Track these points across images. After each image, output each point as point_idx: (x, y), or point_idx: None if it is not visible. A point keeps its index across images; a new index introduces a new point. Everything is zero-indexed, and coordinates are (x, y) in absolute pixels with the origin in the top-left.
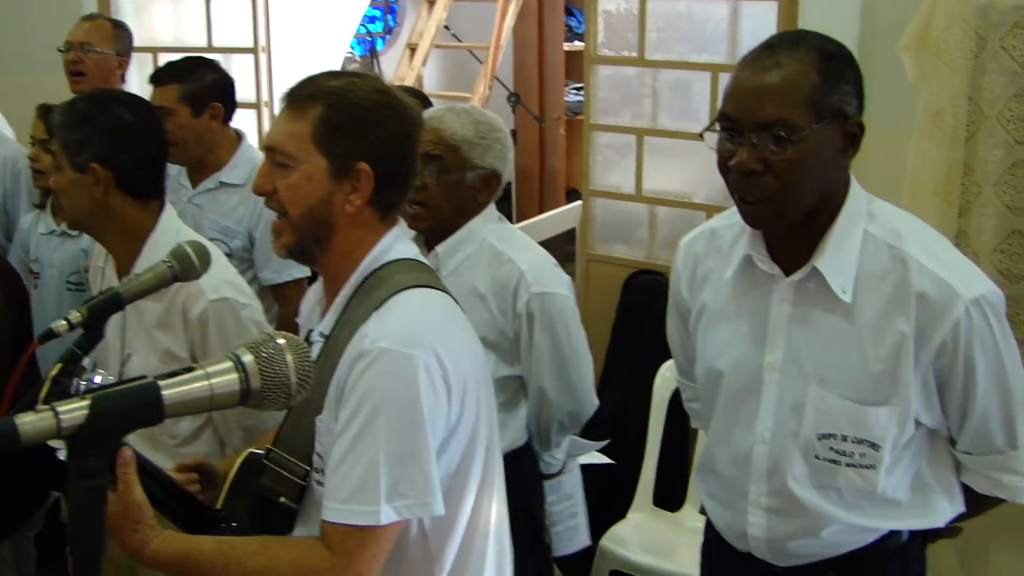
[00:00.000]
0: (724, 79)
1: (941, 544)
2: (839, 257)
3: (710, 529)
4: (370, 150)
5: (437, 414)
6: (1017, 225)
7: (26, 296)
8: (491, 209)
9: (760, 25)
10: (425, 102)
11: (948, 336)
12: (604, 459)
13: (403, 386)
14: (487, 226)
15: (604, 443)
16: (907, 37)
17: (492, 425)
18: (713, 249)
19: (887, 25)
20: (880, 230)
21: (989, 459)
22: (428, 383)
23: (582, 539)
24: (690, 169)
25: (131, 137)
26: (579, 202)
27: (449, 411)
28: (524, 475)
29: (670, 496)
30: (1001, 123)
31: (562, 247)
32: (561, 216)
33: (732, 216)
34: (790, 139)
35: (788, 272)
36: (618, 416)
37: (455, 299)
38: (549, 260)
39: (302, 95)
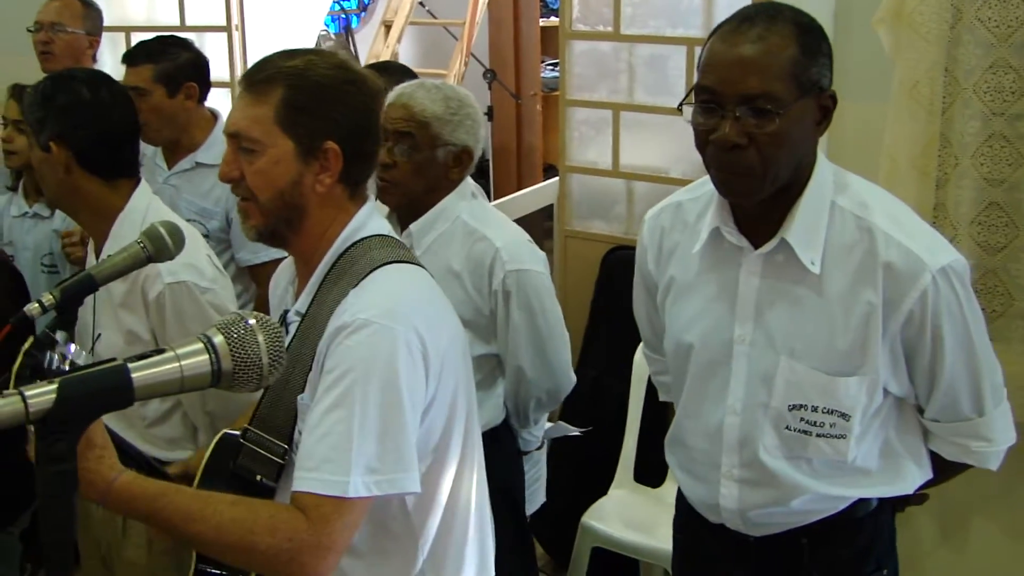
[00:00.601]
0: (700, 53)
1: (921, 515)
2: (807, 229)
3: (682, 502)
4: (336, 128)
5: (416, 390)
6: (995, 197)
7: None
8: (465, 186)
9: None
10: (410, 76)
11: (915, 305)
12: (574, 430)
13: (382, 359)
14: (461, 203)
15: (587, 429)
16: (882, 10)
17: (471, 402)
18: (679, 223)
19: None
20: (847, 202)
21: (956, 426)
22: (407, 357)
23: (540, 498)
24: (667, 144)
25: (89, 114)
26: (556, 178)
27: (427, 387)
28: (502, 453)
29: (651, 472)
30: (977, 94)
31: (540, 223)
32: (538, 192)
33: (697, 189)
34: (775, 112)
35: (757, 244)
36: (597, 393)
37: (432, 275)
38: (524, 236)
39: (261, 78)
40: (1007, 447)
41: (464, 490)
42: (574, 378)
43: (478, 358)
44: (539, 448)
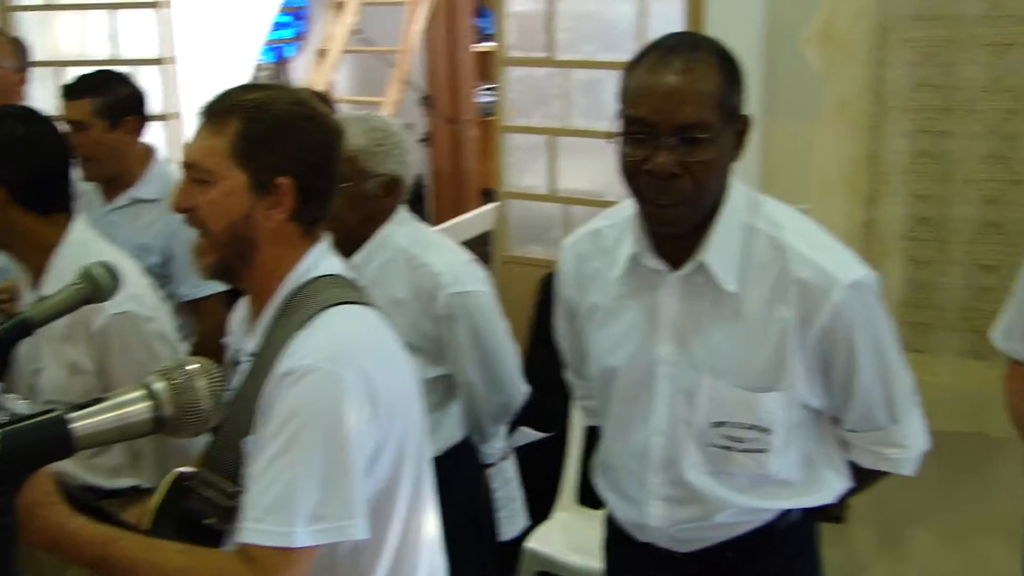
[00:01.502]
0: (622, 83)
1: (858, 526)
2: (723, 250)
3: (610, 522)
4: (291, 164)
5: (363, 434)
6: (924, 213)
7: None
8: (402, 213)
9: (667, 22)
10: (327, 105)
11: (829, 321)
12: (537, 435)
13: (328, 405)
14: (399, 230)
15: (551, 434)
16: (812, 31)
17: (422, 441)
18: (597, 249)
19: (792, 19)
20: (760, 221)
21: (873, 435)
22: (354, 402)
23: (521, 521)
24: (603, 167)
25: (22, 150)
26: (494, 204)
27: (376, 430)
28: (465, 470)
29: (595, 494)
30: (905, 113)
31: (479, 249)
32: (477, 218)
33: (614, 216)
34: (709, 141)
35: (675, 267)
36: (539, 416)
37: (382, 313)
38: (464, 257)
39: (219, 109)
40: (921, 452)
41: (414, 531)
42: (525, 388)
43: (431, 380)
44: (505, 459)
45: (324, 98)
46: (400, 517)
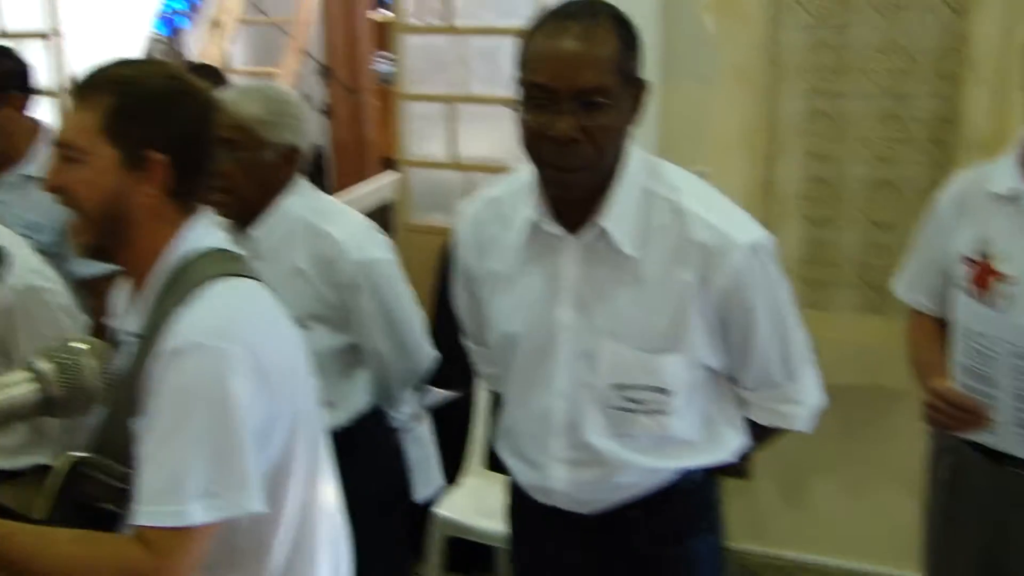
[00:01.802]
0: (520, 49)
1: (763, 481)
2: (623, 214)
3: (514, 488)
4: (164, 139)
5: (252, 408)
6: (819, 172)
7: None
8: (300, 183)
9: None
10: (218, 79)
11: (727, 282)
12: (449, 394)
13: (214, 382)
14: (298, 200)
15: (461, 393)
16: None
17: (315, 412)
18: (496, 216)
19: None
20: (659, 186)
21: (770, 393)
22: (241, 377)
23: (437, 482)
24: (503, 134)
25: None
26: (395, 173)
27: (266, 403)
28: (374, 438)
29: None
30: (800, 75)
31: (381, 218)
32: (378, 188)
33: (511, 182)
34: (608, 106)
35: (574, 232)
36: (443, 383)
37: (268, 285)
38: (366, 225)
39: (90, 85)
40: (817, 408)
41: (313, 501)
42: (433, 352)
43: (337, 349)
44: (418, 422)
45: (214, 72)
46: (298, 489)
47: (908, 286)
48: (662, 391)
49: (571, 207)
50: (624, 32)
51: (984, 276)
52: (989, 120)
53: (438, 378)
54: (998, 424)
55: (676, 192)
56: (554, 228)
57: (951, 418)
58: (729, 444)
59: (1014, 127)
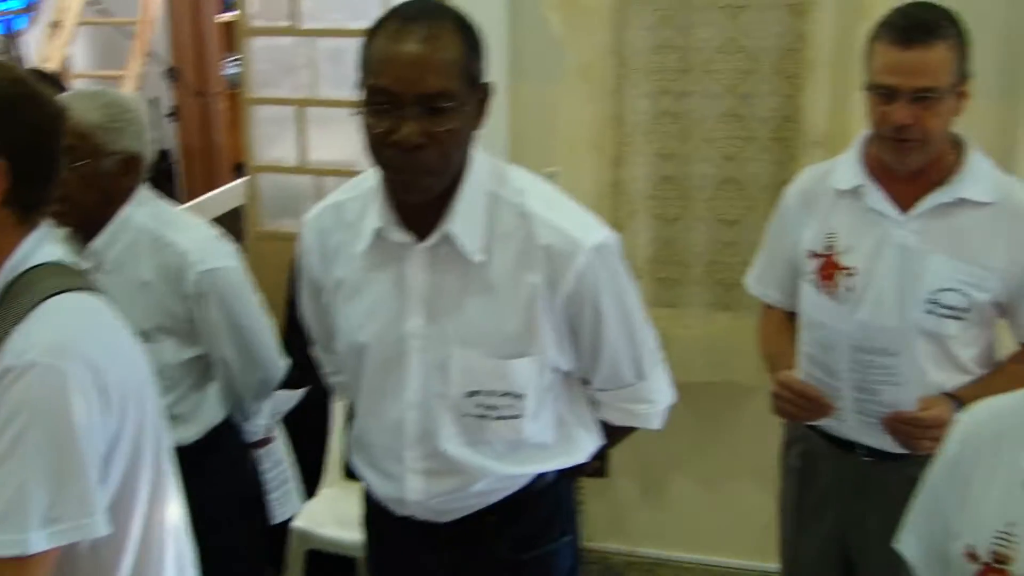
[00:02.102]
0: (362, 53)
1: (621, 479)
2: (468, 220)
3: (369, 498)
4: (4, 145)
5: (94, 428)
6: (667, 171)
7: None
8: (143, 192)
9: None
10: (56, 86)
11: (575, 284)
12: (295, 395)
13: (53, 401)
14: (141, 210)
15: (305, 389)
16: None
17: (160, 429)
18: (341, 223)
19: None
20: (504, 190)
21: (621, 392)
22: (81, 396)
23: (296, 503)
24: (354, 138)
25: None
26: (245, 178)
27: (108, 423)
28: (227, 452)
29: None
30: (645, 75)
31: (233, 225)
32: (228, 193)
33: (356, 188)
34: (453, 110)
35: (420, 238)
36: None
37: (112, 299)
38: (211, 233)
39: None
40: (668, 406)
41: (157, 522)
42: (284, 362)
43: (187, 362)
44: (272, 439)
45: (52, 78)
46: (142, 510)
47: (758, 280)
48: (515, 395)
49: (416, 213)
50: (468, 35)
51: (829, 269)
52: (829, 118)
53: (290, 385)
54: (842, 412)
55: (521, 195)
56: (400, 235)
57: (797, 407)
58: (583, 446)
59: (854, 125)
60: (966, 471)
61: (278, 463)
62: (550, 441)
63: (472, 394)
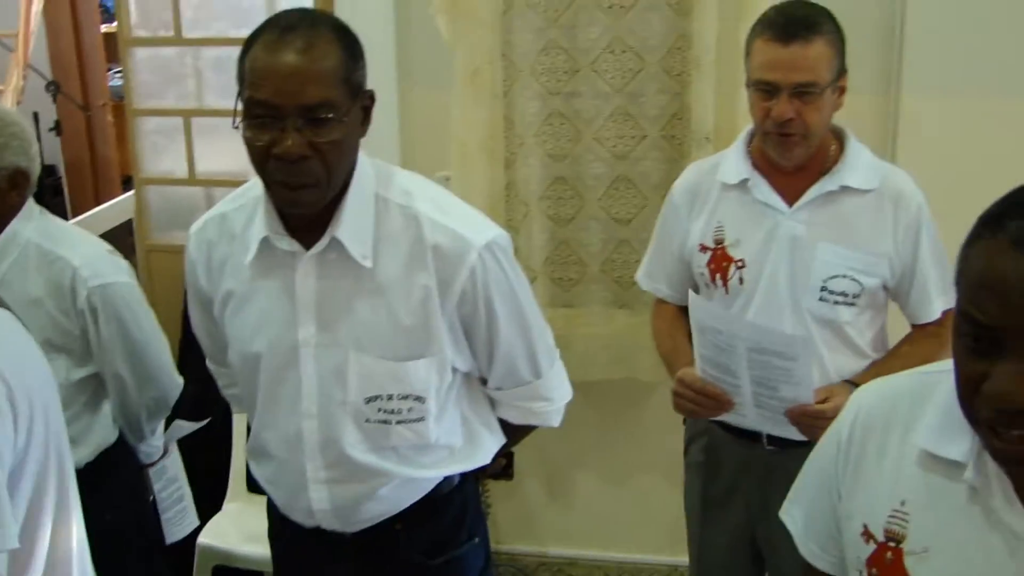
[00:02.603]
0: (241, 65)
1: (529, 480)
2: (355, 224)
3: (274, 511)
4: None
5: (4, 443)
6: (559, 172)
7: None
8: (30, 207)
9: None
10: None
11: (467, 283)
12: (193, 425)
13: None
14: (29, 225)
15: (206, 421)
16: None
17: (64, 444)
18: (226, 234)
19: None
20: (390, 192)
21: (518, 391)
22: None
23: (191, 522)
24: (242, 147)
25: None
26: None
27: (17, 437)
28: (122, 474)
29: None
30: (534, 76)
31: (124, 239)
32: (116, 207)
33: (240, 198)
34: (336, 120)
35: (308, 246)
36: (200, 405)
37: (12, 312)
38: (103, 248)
39: None
40: (565, 403)
41: (63, 539)
42: (180, 380)
43: (79, 381)
44: (165, 456)
45: None
46: (48, 526)
47: (648, 276)
48: (416, 398)
49: (303, 220)
50: (347, 42)
51: (720, 262)
52: (716, 114)
53: (188, 408)
54: (742, 407)
55: (409, 197)
56: (287, 243)
57: (697, 404)
58: (487, 446)
59: (741, 120)
60: (858, 451)
61: (172, 481)
62: (455, 443)
63: (372, 399)
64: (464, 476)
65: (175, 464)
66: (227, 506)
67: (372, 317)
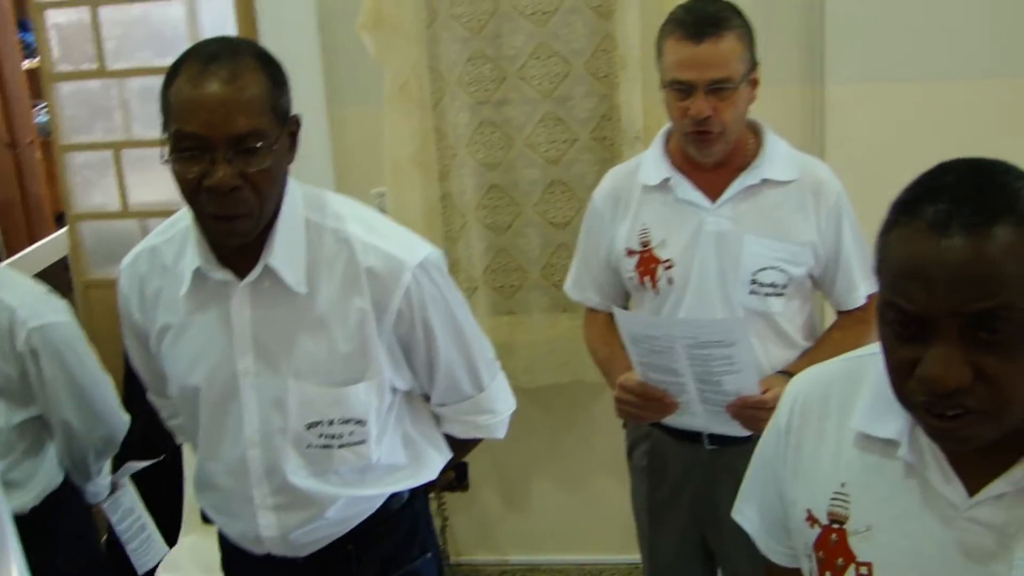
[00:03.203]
0: (164, 97)
1: (484, 491)
2: (287, 251)
3: (225, 540)
4: None
5: None
6: (494, 180)
7: None
8: None
9: (218, 20)
10: None
11: (402, 303)
12: (143, 463)
13: None
14: None
15: (159, 459)
16: (363, 15)
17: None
18: (157, 267)
19: (344, 6)
20: (321, 216)
21: (462, 405)
22: None
23: (160, 549)
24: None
25: None
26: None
27: None
28: (70, 516)
29: None
30: (462, 86)
31: (60, 276)
32: (50, 246)
33: (169, 230)
34: (266, 148)
35: (242, 275)
36: (149, 438)
37: None
38: (39, 290)
39: None
40: (509, 414)
41: None
42: (126, 418)
43: (20, 425)
44: (116, 490)
45: None
46: None
47: (576, 286)
48: (356, 422)
49: (235, 249)
50: (271, 70)
51: (648, 264)
52: (645, 114)
53: (137, 444)
54: (688, 405)
55: (340, 220)
56: (220, 273)
57: (641, 409)
58: (432, 462)
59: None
60: (797, 438)
61: (129, 512)
62: (400, 462)
63: (313, 425)
64: (413, 492)
65: (129, 496)
66: (183, 539)
67: (310, 344)
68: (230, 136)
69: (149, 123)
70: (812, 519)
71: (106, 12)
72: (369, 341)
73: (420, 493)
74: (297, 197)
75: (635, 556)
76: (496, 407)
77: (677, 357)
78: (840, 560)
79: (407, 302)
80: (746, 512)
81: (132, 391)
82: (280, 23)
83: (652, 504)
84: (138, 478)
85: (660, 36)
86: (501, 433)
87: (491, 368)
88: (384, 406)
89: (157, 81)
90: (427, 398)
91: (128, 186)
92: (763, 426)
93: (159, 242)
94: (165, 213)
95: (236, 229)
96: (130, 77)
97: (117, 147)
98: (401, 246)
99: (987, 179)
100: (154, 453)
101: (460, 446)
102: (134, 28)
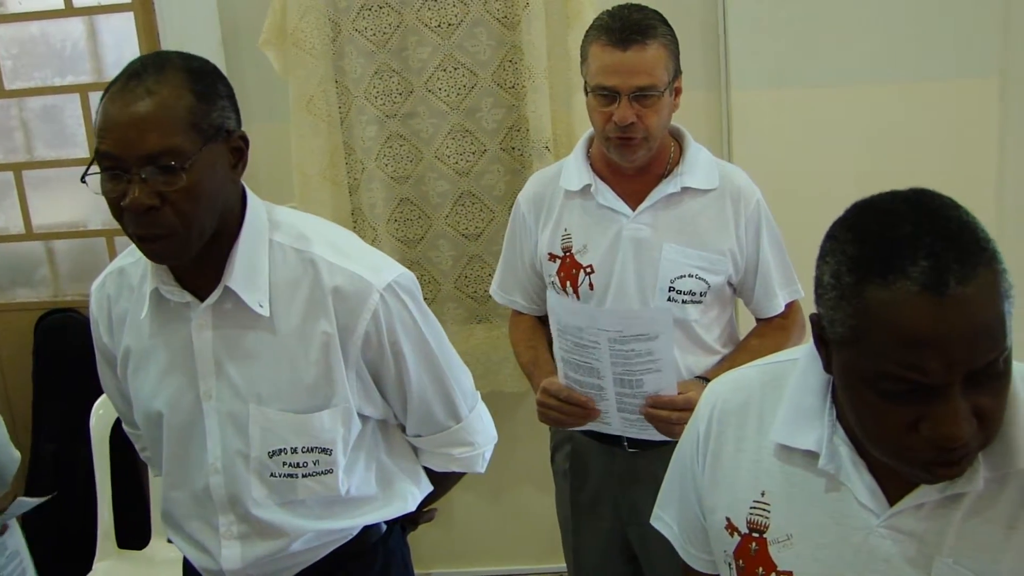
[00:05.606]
0: (94, 98)
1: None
2: (249, 272)
3: (189, 569)
4: None
5: None
6: (403, 193)
7: None
8: None
9: (120, 37)
10: None
11: (369, 326)
12: (35, 500)
13: None
14: None
15: (51, 496)
16: (266, 31)
17: None
18: (125, 289)
19: (247, 22)
20: (285, 237)
21: (438, 437)
22: None
23: None
24: (80, 196)
25: None
26: None
27: None
28: None
29: (134, 534)
30: (369, 100)
31: None
32: None
33: (136, 251)
34: (180, 167)
35: (203, 297)
36: (60, 465)
37: None
38: None
39: None
40: (490, 446)
41: None
42: (17, 455)
43: None
44: (4, 533)
45: None
46: None
47: (502, 289)
48: (320, 450)
49: (194, 271)
50: (199, 85)
51: (569, 269)
52: (553, 123)
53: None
54: (606, 415)
55: (305, 241)
56: (178, 295)
57: (563, 413)
58: (407, 495)
59: (578, 126)
60: (715, 445)
61: (14, 556)
62: (373, 493)
63: (275, 453)
64: (390, 525)
65: (15, 538)
66: (97, 566)
67: (272, 368)
68: (143, 155)
69: (50, 143)
70: (731, 527)
71: (3, 30)
72: (334, 367)
73: (398, 527)
74: (261, 216)
75: (558, 565)
76: (475, 439)
77: (600, 353)
78: (760, 569)
79: (375, 325)
80: (664, 518)
81: (41, 418)
82: (182, 40)
83: (575, 507)
84: (52, 505)
85: (585, 42)
86: (481, 467)
87: (469, 399)
88: (352, 435)
89: (58, 100)
90: (404, 428)
91: (31, 207)
92: (678, 431)
93: (127, 263)
94: (70, 234)
95: (159, 250)
96: (29, 96)
97: (18, 168)
98: (369, 268)
99: (944, 220)
100: (47, 491)
101: (440, 480)
102: (33, 46)
